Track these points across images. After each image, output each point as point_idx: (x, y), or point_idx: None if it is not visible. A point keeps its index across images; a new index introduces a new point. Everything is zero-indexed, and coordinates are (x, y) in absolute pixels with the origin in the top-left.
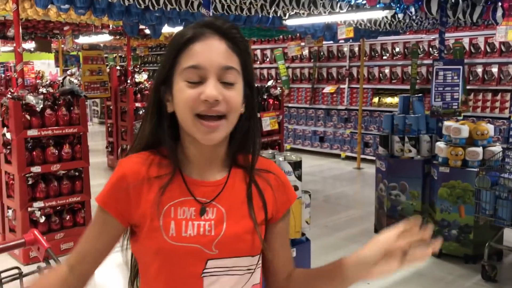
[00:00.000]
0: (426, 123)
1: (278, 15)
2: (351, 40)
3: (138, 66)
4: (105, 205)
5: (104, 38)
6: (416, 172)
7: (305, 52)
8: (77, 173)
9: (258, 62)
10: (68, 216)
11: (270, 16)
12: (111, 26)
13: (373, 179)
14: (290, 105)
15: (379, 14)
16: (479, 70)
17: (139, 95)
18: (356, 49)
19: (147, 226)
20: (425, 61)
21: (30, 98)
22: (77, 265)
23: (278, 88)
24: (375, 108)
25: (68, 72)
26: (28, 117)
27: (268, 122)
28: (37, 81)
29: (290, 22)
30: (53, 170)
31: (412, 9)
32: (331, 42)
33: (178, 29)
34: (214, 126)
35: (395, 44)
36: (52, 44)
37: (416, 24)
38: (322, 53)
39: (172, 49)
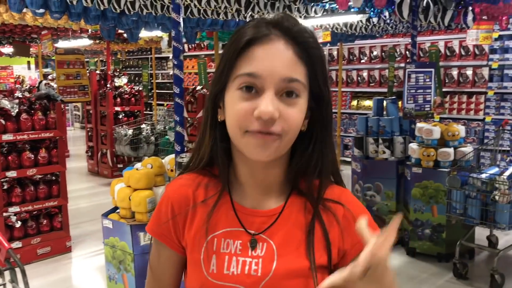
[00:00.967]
0: (399, 125)
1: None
2: (329, 44)
3: (118, 70)
4: (157, 235)
5: (83, 42)
6: (390, 173)
7: None
8: (54, 178)
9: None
10: (45, 221)
11: (247, 21)
12: (90, 30)
13: None
14: None
15: (353, 18)
16: (455, 72)
17: (118, 99)
18: (335, 53)
19: (189, 258)
20: (402, 64)
21: (5, 103)
22: None
23: None
24: (353, 111)
25: (50, 77)
26: (3, 121)
27: None
28: (17, 85)
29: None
30: (29, 174)
31: (386, 13)
32: None
33: (156, 33)
34: (269, 139)
35: (373, 47)
36: (32, 49)
37: (391, 28)
38: None
39: (230, 51)
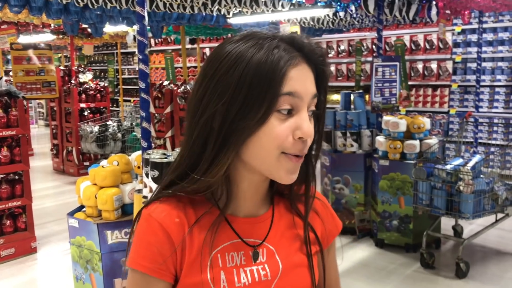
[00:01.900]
0: (366, 118)
1: (222, 13)
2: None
3: (83, 66)
4: (153, 272)
5: (46, 37)
6: (358, 166)
7: None
8: (17, 177)
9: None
10: (8, 221)
11: (214, 15)
12: (52, 25)
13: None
14: None
15: (320, 12)
16: (420, 66)
17: (84, 96)
18: None
19: (195, 281)
20: (369, 58)
21: None
22: None
23: None
24: None
25: (11, 73)
26: None
27: None
28: None
29: (234, 21)
30: None
31: (352, 7)
32: None
33: (121, 28)
34: (298, 164)
35: (340, 42)
36: None
37: (357, 22)
38: None
39: (266, 74)
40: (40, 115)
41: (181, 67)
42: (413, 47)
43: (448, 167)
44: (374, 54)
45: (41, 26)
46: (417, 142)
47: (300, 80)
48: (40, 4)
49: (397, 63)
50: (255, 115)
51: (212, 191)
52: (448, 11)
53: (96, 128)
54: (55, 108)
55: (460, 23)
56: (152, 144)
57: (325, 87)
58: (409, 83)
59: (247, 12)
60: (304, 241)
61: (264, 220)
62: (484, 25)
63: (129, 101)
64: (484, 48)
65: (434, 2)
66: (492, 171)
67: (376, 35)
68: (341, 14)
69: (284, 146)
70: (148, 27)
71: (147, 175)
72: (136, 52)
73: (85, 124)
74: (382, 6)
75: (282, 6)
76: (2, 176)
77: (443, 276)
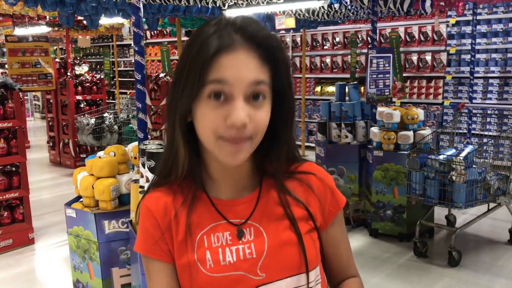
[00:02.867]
0: (361, 109)
1: (217, 5)
2: (292, 31)
3: (79, 58)
4: (147, 252)
5: (41, 29)
6: (353, 157)
7: None
8: (14, 169)
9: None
10: (6, 213)
11: (210, 6)
12: (48, 17)
13: None
14: None
15: (315, 4)
16: (414, 58)
17: (80, 88)
18: (298, 39)
19: (183, 262)
20: (364, 50)
21: None
22: None
23: None
24: (317, 97)
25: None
26: None
27: None
28: None
29: (229, 12)
30: None
31: None
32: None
33: (117, 20)
34: (239, 147)
35: (335, 34)
36: None
37: (352, 14)
38: None
39: (195, 61)
40: (36, 108)
41: (177, 59)
42: (408, 39)
43: (441, 157)
44: (369, 46)
45: (36, 18)
46: (410, 133)
47: (231, 67)
48: None
49: (390, 55)
50: (187, 100)
51: (195, 175)
52: (442, 3)
53: (92, 120)
54: (51, 101)
55: (455, 15)
56: (149, 136)
57: (280, 72)
58: (404, 74)
59: (242, 4)
60: (288, 218)
61: (248, 201)
62: (478, 17)
63: (125, 93)
64: (478, 40)
65: None
66: (485, 161)
67: (371, 27)
68: (336, 6)
69: (218, 132)
70: (144, 19)
71: (143, 165)
72: (132, 44)
73: (82, 116)
74: None
75: None
76: None
77: (436, 264)
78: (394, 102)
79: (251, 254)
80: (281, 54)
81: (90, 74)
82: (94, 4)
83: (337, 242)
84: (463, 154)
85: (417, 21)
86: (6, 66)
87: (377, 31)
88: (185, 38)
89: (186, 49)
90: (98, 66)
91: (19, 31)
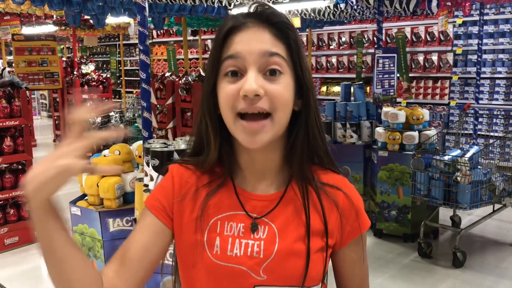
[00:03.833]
0: (366, 109)
1: (223, 4)
2: (298, 30)
3: (85, 57)
4: (152, 208)
5: (48, 28)
6: (358, 157)
7: None
8: (20, 167)
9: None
10: (12, 210)
11: (216, 6)
12: (55, 16)
13: None
14: None
15: (321, 4)
16: (421, 58)
17: (86, 87)
18: (304, 39)
19: (191, 239)
20: (370, 50)
21: None
22: (120, 265)
23: None
24: (323, 97)
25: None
26: None
27: None
28: None
29: (235, 12)
30: None
31: None
32: None
33: (123, 19)
34: (257, 126)
35: (341, 33)
36: None
37: (358, 14)
38: None
39: (214, 45)
40: (43, 106)
41: (183, 59)
42: (414, 39)
43: (446, 158)
44: (375, 46)
45: (43, 17)
46: (415, 133)
47: (243, 42)
48: None
49: (395, 55)
50: (209, 79)
51: (225, 163)
52: (448, 3)
53: (98, 119)
54: (57, 99)
55: (461, 15)
56: (154, 135)
57: (293, 49)
58: (410, 75)
59: (248, 3)
60: (305, 229)
61: (273, 199)
62: (485, 17)
63: (131, 92)
64: (485, 40)
65: None
66: (490, 162)
67: (377, 27)
68: (342, 5)
69: (235, 106)
70: (150, 19)
71: (148, 164)
72: (138, 43)
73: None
74: None
75: None
76: (5, 165)
77: (440, 265)
78: (400, 102)
79: (258, 253)
80: (292, 32)
81: (97, 73)
82: (100, 3)
83: (351, 263)
84: (468, 155)
85: (423, 21)
86: (13, 64)
87: (383, 31)
88: (191, 38)
89: (213, 40)
90: (104, 65)
91: (26, 30)
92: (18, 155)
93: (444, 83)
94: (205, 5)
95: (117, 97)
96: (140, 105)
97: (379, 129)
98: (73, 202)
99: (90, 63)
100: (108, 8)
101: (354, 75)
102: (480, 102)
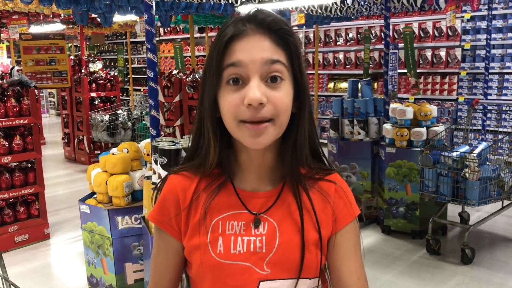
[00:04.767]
0: (374, 106)
1: (230, 2)
2: (305, 27)
3: (93, 56)
4: (160, 224)
5: (56, 27)
6: (365, 153)
7: None
8: (29, 165)
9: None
10: (22, 208)
11: (222, 3)
12: (62, 15)
13: None
14: None
15: (328, 0)
16: (428, 54)
17: (94, 85)
18: (311, 35)
19: (195, 242)
20: (377, 46)
21: None
22: None
23: None
24: (330, 93)
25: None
26: None
27: None
28: None
29: (242, 9)
30: (4, 162)
31: None
32: None
33: (130, 17)
34: (261, 128)
35: (348, 29)
36: (2, 34)
37: (365, 10)
38: None
39: (214, 52)
40: (52, 105)
41: (190, 56)
42: (422, 35)
43: (454, 154)
44: (383, 42)
45: (51, 16)
46: (423, 130)
47: (244, 50)
48: None
49: (396, 51)
50: (211, 89)
51: (224, 165)
52: None
53: (106, 117)
54: (66, 98)
55: (469, 10)
56: (162, 133)
57: (293, 56)
58: (418, 70)
59: (254, 0)
60: (300, 222)
61: (271, 196)
62: (494, 12)
63: (139, 90)
64: (493, 35)
65: None
66: (499, 158)
67: (384, 22)
68: (349, 1)
69: (238, 114)
70: (157, 17)
71: (156, 162)
72: (145, 42)
73: (96, 113)
74: None
75: None
76: (15, 164)
77: (449, 262)
78: (408, 99)
79: (261, 248)
80: (293, 38)
81: (104, 71)
82: (107, 2)
83: (345, 252)
84: (477, 151)
85: (431, 17)
86: (21, 63)
87: (391, 26)
88: (198, 35)
89: (211, 46)
90: (112, 63)
91: (34, 29)
92: (28, 154)
93: (452, 79)
94: (212, 3)
95: (124, 95)
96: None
97: (387, 126)
98: (82, 200)
99: (97, 61)
100: (115, 7)
101: (361, 71)
102: (489, 97)
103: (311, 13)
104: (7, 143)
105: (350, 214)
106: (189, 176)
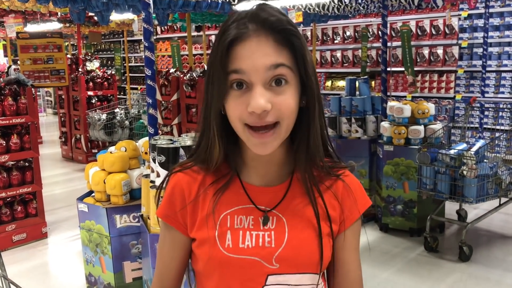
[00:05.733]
0: (371, 104)
1: (227, 0)
2: (302, 25)
3: (90, 54)
4: (165, 218)
5: (53, 26)
6: (363, 152)
7: None
8: (27, 164)
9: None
10: (19, 207)
11: (219, 2)
12: (59, 13)
13: None
14: None
15: None
16: (426, 51)
17: (91, 84)
18: (309, 33)
19: (203, 236)
20: (375, 44)
21: None
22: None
23: None
24: (328, 91)
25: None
26: None
27: None
28: None
29: (239, 7)
30: (1, 161)
31: None
32: None
33: (127, 15)
34: (266, 136)
35: (346, 28)
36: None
37: (363, 8)
38: None
39: (216, 56)
40: (49, 104)
41: (187, 55)
42: (419, 33)
43: (452, 152)
44: (380, 40)
45: (48, 14)
46: (421, 128)
47: (246, 57)
48: None
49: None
50: (217, 92)
51: (231, 161)
52: None
53: (104, 116)
54: (63, 96)
55: (467, 8)
56: (159, 131)
57: (299, 56)
58: (415, 68)
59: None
60: (314, 215)
61: (278, 191)
62: (491, 10)
63: (136, 89)
64: (490, 33)
65: None
66: (496, 155)
67: (381, 21)
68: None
69: (243, 118)
70: (154, 15)
71: (154, 160)
72: (142, 40)
73: (93, 112)
74: None
75: None
76: (12, 163)
77: (447, 259)
78: (405, 96)
79: (270, 243)
80: (297, 38)
81: (101, 70)
82: (104, 0)
83: (352, 248)
84: (474, 148)
85: (428, 15)
86: (19, 62)
87: (388, 25)
88: (195, 33)
89: (213, 46)
90: (109, 62)
91: (31, 28)
92: (25, 152)
93: (449, 77)
94: (209, 1)
95: (122, 93)
96: (145, 101)
97: (385, 124)
98: (80, 199)
99: (94, 60)
100: (112, 5)
101: (359, 70)
102: (486, 95)
103: (308, 11)
104: (4, 142)
105: (357, 212)
106: (194, 171)
